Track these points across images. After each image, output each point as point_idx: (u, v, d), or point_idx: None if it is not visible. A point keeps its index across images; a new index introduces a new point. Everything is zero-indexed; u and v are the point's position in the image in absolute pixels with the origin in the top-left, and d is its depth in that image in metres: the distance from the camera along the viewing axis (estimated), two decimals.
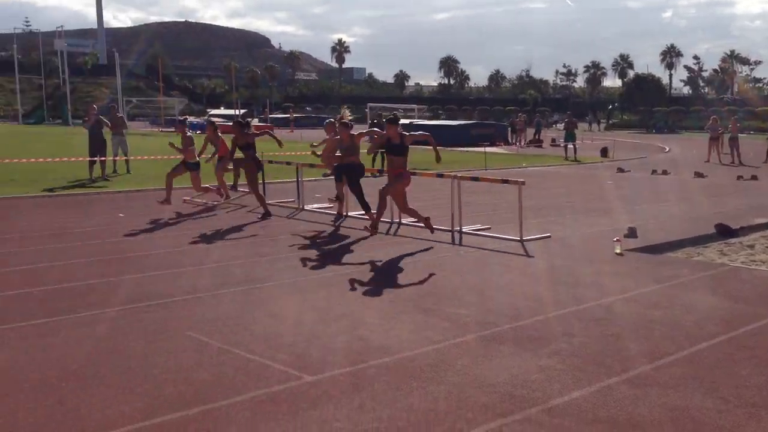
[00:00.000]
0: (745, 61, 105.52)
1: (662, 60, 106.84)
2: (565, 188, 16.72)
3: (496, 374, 4.62)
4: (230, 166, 13.51)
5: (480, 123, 47.43)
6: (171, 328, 5.59)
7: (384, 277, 7.46)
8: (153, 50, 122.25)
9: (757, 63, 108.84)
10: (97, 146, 17.84)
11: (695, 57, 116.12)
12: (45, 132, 46.78)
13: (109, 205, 13.10)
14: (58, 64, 75.58)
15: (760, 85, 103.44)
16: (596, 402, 4.19)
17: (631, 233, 9.70)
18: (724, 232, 10.19)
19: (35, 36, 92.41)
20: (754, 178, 18.68)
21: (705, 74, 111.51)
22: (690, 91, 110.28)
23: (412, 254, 8.64)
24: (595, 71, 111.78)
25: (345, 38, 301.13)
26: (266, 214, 11.54)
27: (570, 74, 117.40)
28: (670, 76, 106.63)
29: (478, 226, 10.36)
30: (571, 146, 27.58)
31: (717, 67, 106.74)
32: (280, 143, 12.96)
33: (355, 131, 10.90)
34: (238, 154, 12.07)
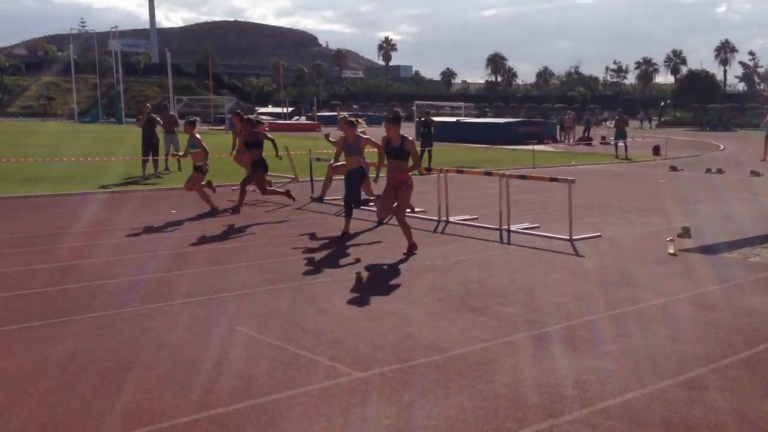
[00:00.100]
0: None
1: (716, 56, 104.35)
2: (615, 187, 16.42)
3: (546, 374, 4.59)
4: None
5: (528, 120, 47.05)
6: (221, 323, 5.71)
7: (431, 275, 7.46)
8: (203, 49, 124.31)
9: None
10: (150, 144, 18.29)
11: (750, 53, 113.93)
12: (99, 130, 48.02)
13: (163, 202, 13.40)
14: (112, 63, 77.39)
15: None
16: (650, 404, 4.12)
17: (685, 233, 9.49)
18: None
19: (91, 36, 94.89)
20: None
21: (761, 70, 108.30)
22: (745, 88, 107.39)
23: (459, 252, 8.62)
24: (646, 68, 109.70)
25: (392, 36, 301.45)
26: (288, 196, 12.39)
27: (620, 71, 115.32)
28: (725, 72, 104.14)
29: (527, 225, 10.28)
30: (622, 144, 27.06)
31: None
32: (277, 152, 12.96)
33: (359, 131, 10.24)
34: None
